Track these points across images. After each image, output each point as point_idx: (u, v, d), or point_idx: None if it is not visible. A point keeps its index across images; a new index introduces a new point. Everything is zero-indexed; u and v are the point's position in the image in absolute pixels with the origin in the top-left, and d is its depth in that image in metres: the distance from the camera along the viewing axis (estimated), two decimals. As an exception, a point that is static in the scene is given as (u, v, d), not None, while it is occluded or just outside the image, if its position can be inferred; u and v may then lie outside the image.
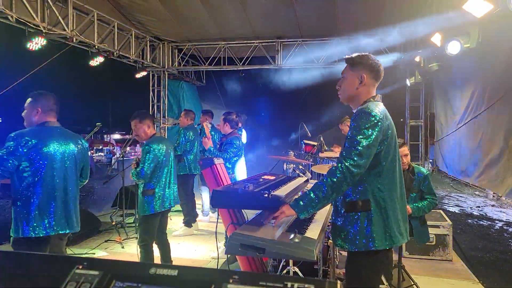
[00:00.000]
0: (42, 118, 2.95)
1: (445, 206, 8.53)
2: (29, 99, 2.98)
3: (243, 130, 7.15)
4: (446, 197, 9.71)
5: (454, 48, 5.74)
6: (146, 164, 3.72)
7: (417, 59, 7.11)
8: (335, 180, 2.06)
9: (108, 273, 0.93)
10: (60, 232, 2.89)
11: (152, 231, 3.97)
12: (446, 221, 5.06)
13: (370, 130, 2.07)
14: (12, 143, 2.74)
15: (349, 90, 2.32)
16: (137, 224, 6.49)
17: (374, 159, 2.12)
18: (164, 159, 3.90)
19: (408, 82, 8.14)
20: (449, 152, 9.27)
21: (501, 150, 6.60)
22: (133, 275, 0.93)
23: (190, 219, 6.30)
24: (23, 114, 3.00)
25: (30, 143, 2.77)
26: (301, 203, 2.13)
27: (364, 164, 2.06)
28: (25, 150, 2.75)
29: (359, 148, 2.05)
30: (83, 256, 4.02)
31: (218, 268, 3.60)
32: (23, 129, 2.87)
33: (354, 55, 2.36)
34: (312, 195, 2.11)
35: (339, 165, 2.07)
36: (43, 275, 0.96)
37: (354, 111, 2.30)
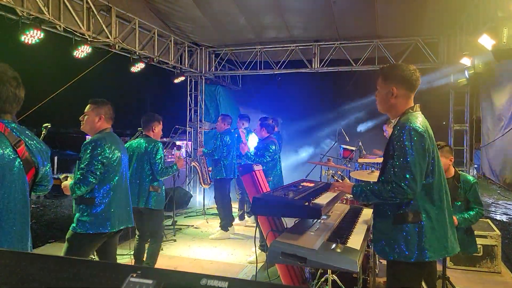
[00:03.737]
0: (103, 125, 3.12)
1: (492, 214, 8.11)
2: (91, 106, 3.13)
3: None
4: (493, 204, 9.23)
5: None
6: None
7: (462, 61, 6.82)
8: (391, 196, 2.11)
9: (161, 282, 0.95)
10: (121, 227, 3.12)
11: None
12: (494, 231, 4.81)
13: (416, 144, 2.10)
14: (99, 146, 2.94)
15: (383, 103, 2.37)
16: (174, 227, 6.64)
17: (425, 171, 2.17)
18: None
19: (451, 79, 7.86)
20: (495, 159, 8.81)
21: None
22: (185, 285, 0.95)
23: (226, 222, 6.35)
24: (82, 118, 3.15)
25: (112, 147, 3.01)
26: (359, 190, 2.26)
27: (419, 181, 2.10)
28: (110, 155, 2.98)
29: (412, 165, 2.08)
30: (126, 255, 4.09)
31: (257, 271, 3.61)
32: (98, 135, 3.06)
33: (386, 66, 2.43)
34: (369, 193, 2.21)
35: (397, 185, 2.09)
36: (98, 282, 0.99)
37: (393, 120, 2.38)
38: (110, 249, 3.24)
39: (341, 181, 3.43)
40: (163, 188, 4.37)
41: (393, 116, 2.39)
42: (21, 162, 1.77)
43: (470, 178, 3.69)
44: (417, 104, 2.37)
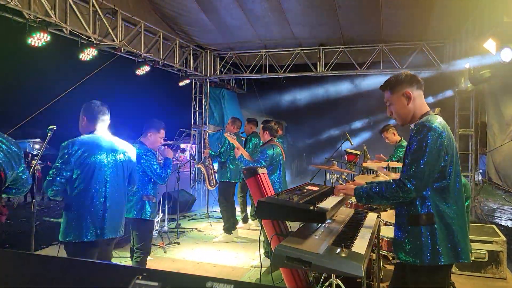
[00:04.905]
0: (90, 127, 3.04)
1: (497, 220, 8.05)
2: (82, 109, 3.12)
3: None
4: (498, 210, 9.18)
5: (506, 55, 5.44)
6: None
7: (467, 65, 6.79)
8: (394, 194, 2.11)
9: (167, 285, 0.95)
10: (108, 237, 2.96)
11: None
12: (500, 236, 4.77)
13: (432, 144, 2.06)
14: (64, 152, 2.88)
15: (403, 112, 2.30)
16: (177, 230, 6.64)
17: (439, 173, 2.11)
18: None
19: (456, 83, 7.86)
20: (502, 164, 8.74)
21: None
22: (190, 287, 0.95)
23: (230, 226, 6.35)
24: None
25: (79, 152, 2.88)
26: (362, 191, 2.28)
27: (426, 181, 2.07)
28: (74, 159, 2.86)
29: (422, 164, 2.05)
30: (129, 257, 4.08)
31: (261, 275, 3.60)
32: (74, 138, 2.98)
33: (386, 81, 2.36)
34: (371, 192, 2.22)
35: (401, 182, 2.08)
36: (104, 284, 0.99)
37: (412, 126, 2.28)
38: (104, 258, 3.10)
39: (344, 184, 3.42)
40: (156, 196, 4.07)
41: (413, 122, 2.30)
42: None
43: None
44: (438, 108, 2.33)
